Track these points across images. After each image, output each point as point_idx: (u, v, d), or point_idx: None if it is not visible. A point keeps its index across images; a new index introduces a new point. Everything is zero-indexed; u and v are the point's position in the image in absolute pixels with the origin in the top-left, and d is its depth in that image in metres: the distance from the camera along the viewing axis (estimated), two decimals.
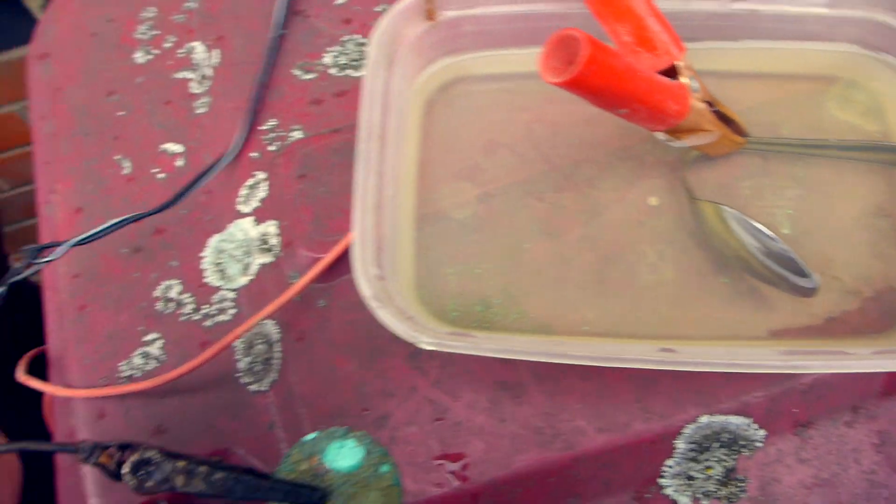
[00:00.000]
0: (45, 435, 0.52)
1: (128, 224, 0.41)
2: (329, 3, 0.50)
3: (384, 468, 0.27)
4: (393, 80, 0.37)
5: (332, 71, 0.48)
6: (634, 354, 0.31)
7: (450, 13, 0.39)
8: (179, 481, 0.22)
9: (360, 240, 0.33)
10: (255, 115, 0.46)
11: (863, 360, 0.31)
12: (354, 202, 0.33)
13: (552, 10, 0.39)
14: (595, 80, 0.29)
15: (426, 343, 0.32)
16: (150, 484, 0.21)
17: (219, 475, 0.23)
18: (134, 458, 0.21)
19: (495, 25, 0.39)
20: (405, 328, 0.31)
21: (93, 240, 0.40)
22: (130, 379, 0.43)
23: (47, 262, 0.40)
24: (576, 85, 0.29)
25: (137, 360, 0.44)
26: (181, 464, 0.22)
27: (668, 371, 0.37)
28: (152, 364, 0.43)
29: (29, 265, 0.40)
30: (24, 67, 0.58)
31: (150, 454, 0.22)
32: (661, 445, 0.36)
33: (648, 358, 0.31)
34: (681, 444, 0.36)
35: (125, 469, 0.21)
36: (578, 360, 0.31)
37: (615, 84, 0.30)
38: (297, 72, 0.48)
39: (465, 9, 0.39)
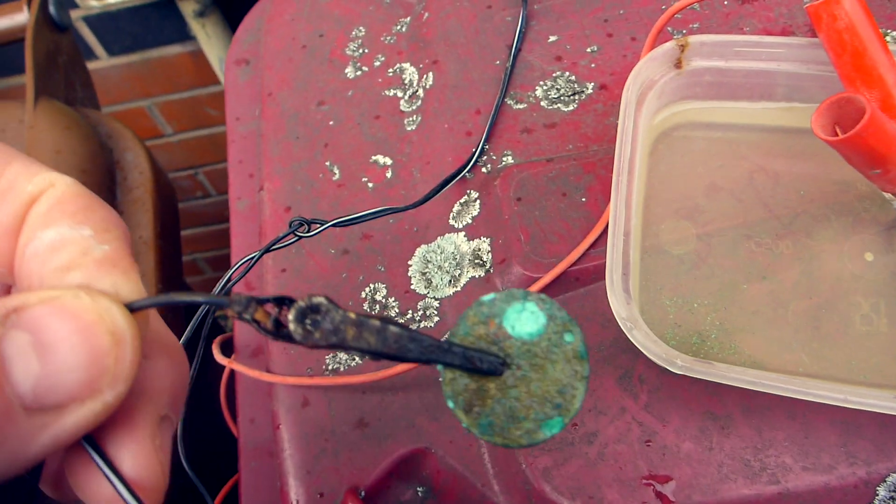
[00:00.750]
0: (226, 427, 0.57)
1: (386, 215, 0.47)
2: (542, 41, 0.56)
3: (568, 337, 0.24)
4: (640, 119, 0.42)
5: (543, 103, 0.53)
6: (875, 399, 0.35)
7: (696, 63, 0.44)
8: (350, 333, 0.20)
9: (613, 264, 0.37)
10: (491, 131, 0.51)
11: None
12: (610, 228, 0.38)
13: (794, 70, 0.43)
14: (868, 141, 0.33)
15: (678, 367, 0.36)
16: (317, 335, 0.20)
17: (394, 330, 0.21)
18: (301, 304, 0.19)
19: (735, 78, 0.44)
20: (659, 351, 0.36)
21: (350, 224, 0.46)
22: (336, 372, 0.48)
23: (313, 234, 0.46)
24: (849, 144, 0.34)
25: (342, 355, 0.49)
26: (352, 314, 0.21)
27: (875, 418, 0.40)
28: (357, 360, 0.48)
29: (291, 235, 0.45)
30: (172, 67, 0.65)
31: (317, 300, 0.20)
32: (863, 490, 0.40)
33: (886, 403, 0.35)
34: (882, 492, 0.39)
35: (290, 315, 0.19)
36: (821, 399, 0.35)
37: (883, 146, 0.34)
38: (509, 101, 0.53)
39: (712, 60, 0.44)
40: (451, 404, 0.24)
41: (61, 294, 0.18)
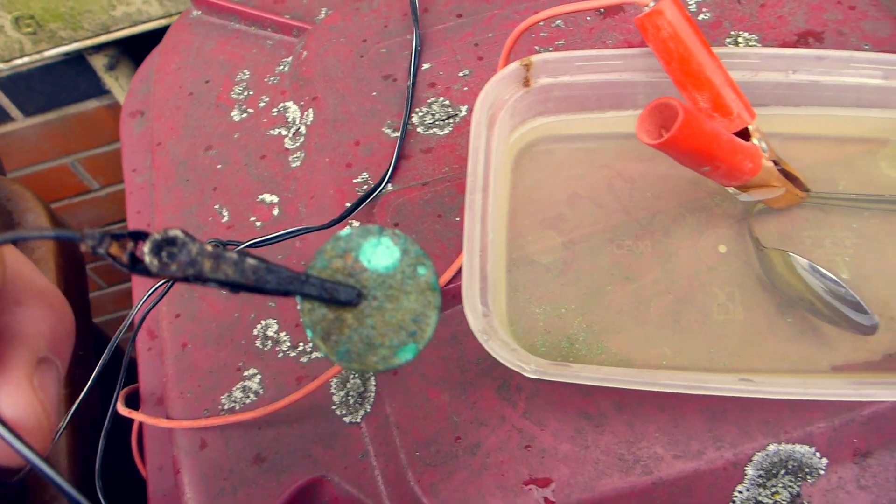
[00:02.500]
0: (134, 467, 0.58)
1: (298, 235, 0.51)
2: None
3: (421, 270, 0.26)
4: (493, 140, 0.45)
5: (419, 129, 0.55)
6: (718, 384, 0.37)
7: (543, 80, 0.47)
8: (207, 265, 0.20)
9: (468, 280, 0.40)
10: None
11: None
12: (465, 246, 0.41)
13: (634, 79, 0.46)
14: (687, 142, 0.36)
15: (531, 372, 0.38)
16: (174, 267, 0.20)
17: (251, 262, 0.22)
18: (156, 236, 0.20)
19: (582, 91, 0.47)
20: (512, 358, 0.38)
21: (263, 245, 0.50)
22: (231, 411, 0.50)
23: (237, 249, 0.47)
24: (670, 145, 0.37)
25: (237, 394, 0.50)
26: (209, 247, 0.21)
27: (737, 403, 0.43)
28: (251, 397, 0.50)
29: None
30: (91, 122, 0.66)
31: (173, 233, 0.20)
32: (732, 472, 0.42)
33: (731, 387, 0.37)
34: (751, 471, 0.42)
35: (146, 248, 0.19)
36: (672, 389, 0.37)
37: (703, 145, 0.37)
38: (386, 130, 0.56)
39: (557, 76, 0.46)
40: (309, 334, 0.25)
41: None
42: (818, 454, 0.42)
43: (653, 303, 0.45)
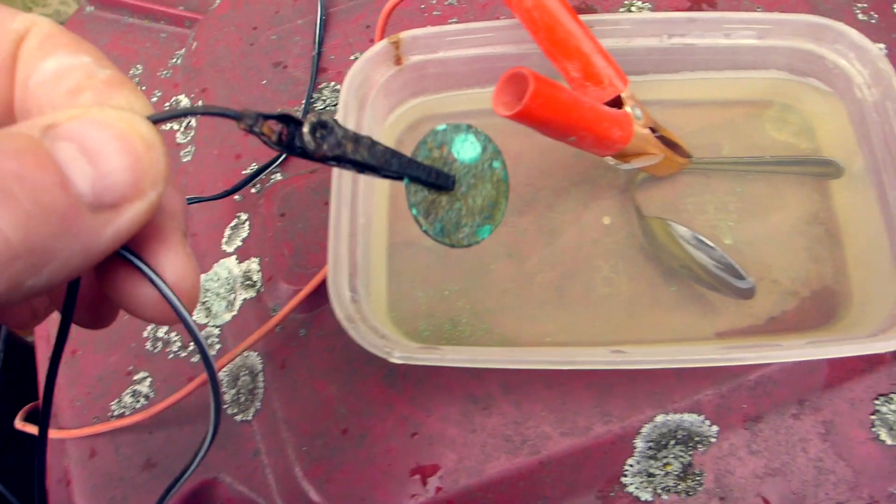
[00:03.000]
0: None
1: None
2: (306, 54, 0.57)
3: (496, 164, 0.30)
4: (364, 121, 0.44)
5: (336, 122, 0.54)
6: (587, 357, 0.36)
7: (415, 57, 0.46)
8: (349, 147, 0.23)
9: (333, 266, 0.39)
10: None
11: (794, 349, 0.36)
12: (329, 232, 0.39)
13: (508, 51, 0.45)
14: (542, 112, 0.35)
15: (397, 357, 0.37)
16: (325, 146, 0.23)
17: (380, 147, 0.25)
18: (313, 119, 0.22)
19: (457, 67, 0.46)
20: (377, 344, 0.37)
21: None
22: (122, 417, 0.48)
23: None
24: (525, 117, 0.36)
25: (127, 399, 0.49)
26: (351, 132, 0.24)
27: (624, 375, 0.42)
28: (142, 402, 0.49)
29: None
30: None
31: (325, 118, 0.23)
32: (621, 446, 0.41)
33: (600, 359, 0.37)
34: (640, 444, 0.41)
35: (305, 128, 0.22)
36: (534, 365, 0.37)
37: (561, 115, 0.36)
38: None
39: (429, 53, 0.45)
40: (413, 211, 0.28)
41: (87, 110, 0.19)
42: (707, 422, 0.42)
43: (537, 279, 0.44)
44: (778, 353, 0.36)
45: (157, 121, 0.20)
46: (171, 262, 0.22)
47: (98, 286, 0.23)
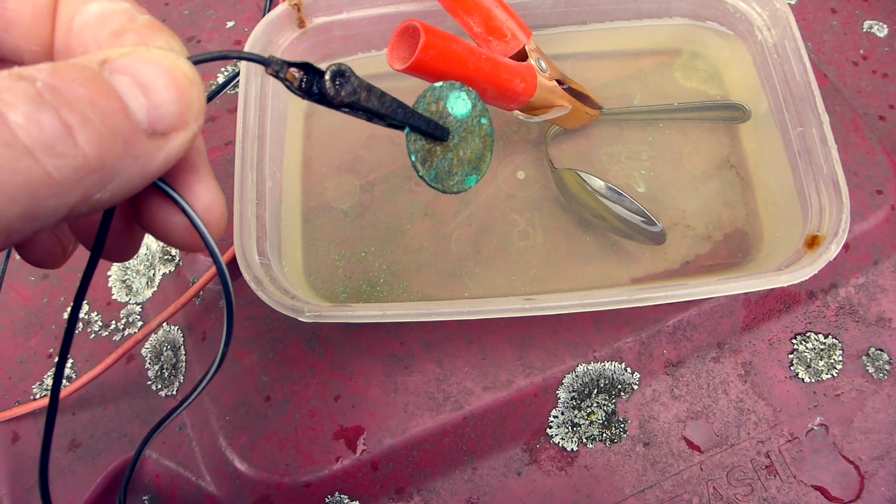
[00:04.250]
0: None
1: None
2: (220, 28, 0.56)
3: (483, 120, 0.32)
4: (269, 86, 0.43)
5: (227, 90, 0.53)
6: (497, 306, 0.36)
7: (319, 20, 0.45)
8: (363, 95, 0.25)
9: (239, 229, 0.38)
10: None
11: (702, 286, 0.36)
12: (235, 194, 0.39)
13: (412, 9, 0.45)
14: (436, 64, 0.35)
15: (307, 316, 0.37)
16: (343, 93, 0.24)
17: (389, 97, 0.27)
18: (333, 67, 0.24)
19: (363, 28, 0.46)
20: (286, 304, 0.36)
21: None
22: (44, 399, 0.47)
23: None
24: (418, 69, 0.35)
25: (49, 381, 0.48)
26: (365, 82, 0.26)
27: (545, 327, 0.42)
28: (64, 383, 0.47)
29: None
30: None
31: (344, 68, 0.24)
32: (544, 397, 0.42)
33: (512, 307, 0.36)
34: (563, 394, 0.41)
35: (327, 76, 0.24)
36: (444, 317, 0.36)
37: (456, 66, 0.36)
38: None
39: (332, 14, 0.45)
40: (412, 158, 0.30)
41: (136, 49, 0.21)
42: (629, 369, 0.42)
43: (453, 237, 0.44)
44: (683, 292, 0.36)
45: (195, 62, 0.22)
46: (203, 192, 0.24)
47: (126, 218, 0.26)
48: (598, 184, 0.41)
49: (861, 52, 0.53)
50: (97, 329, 0.49)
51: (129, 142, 0.20)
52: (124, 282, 0.49)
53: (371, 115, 0.27)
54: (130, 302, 0.49)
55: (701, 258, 0.42)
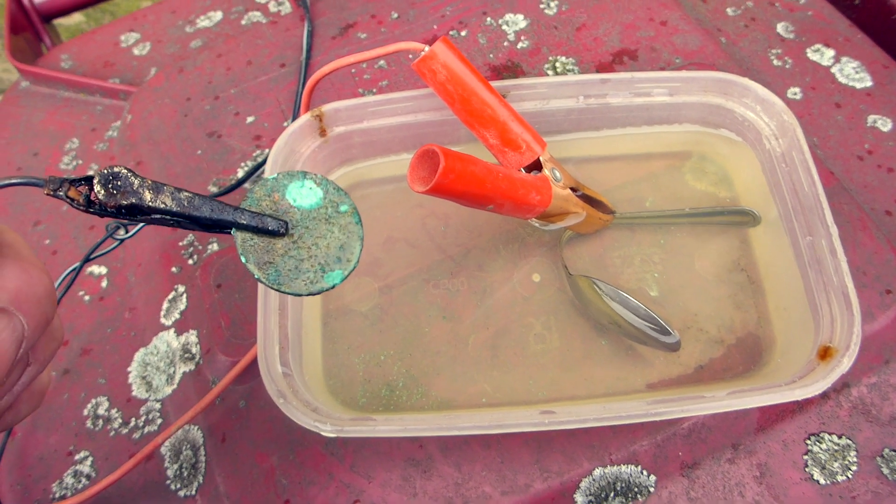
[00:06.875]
0: None
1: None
2: (241, 123, 0.58)
3: (343, 207, 0.30)
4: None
5: (247, 185, 0.55)
6: (516, 420, 0.37)
7: (339, 129, 0.47)
8: (148, 196, 0.23)
9: (263, 343, 0.39)
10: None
11: (718, 401, 0.37)
12: (258, 308, 0.40)
13: (430, 118, 0.47)
14: (455, 186, 0.36)
15: (327, 431, 0.38)
16: (119, 196, 0.22)
17: (186, 193, 0.25)
18: (104, 171, 0.23)
19: (381, 136, 0.47)
20: (308, 419, 0.37)
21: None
22: (63, 499, 0.48)
23: (132, 235, 0.45)
24: (439, 191, 0.37)
25: (69, 480, 0.49)
26: (149, 180, 0.24)
27: (562, 431, 0.43)
28: (83, 482, 0.48)
29: (110, 240, 0.44)
30: None
31: (117, 169, 0.23)
32: (561, 501, 0.42)
33: (529, 422, 0.37)
34: (580, 498, 0.42)
35: (96, 181, 0.23)
36: (464, 431, 0.37)
37: (475, 186, 0.37)
38: (212, 188, 0.55)
39: (352, 124, 0.47)
40: (243, 259, 0.28)
41: None
42: (645, 472, 0.43)
43: (471, 340, 0.45)
44: (701, 406, 0.37)
45: None
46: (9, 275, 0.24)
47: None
48: (612, 291, 0.43)
49: (866, 146, 0.54)
50: (117, 426, 0.49)
51: None
52: (144, 378, 0.50)
53: (177, 219, 0.25)
54: (150, 399, 0.50)
55: (714, 362, 0.43)
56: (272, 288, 0.29)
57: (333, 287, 0.30)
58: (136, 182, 0.24)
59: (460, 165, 0.36)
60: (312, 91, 0.46)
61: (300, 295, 0.29)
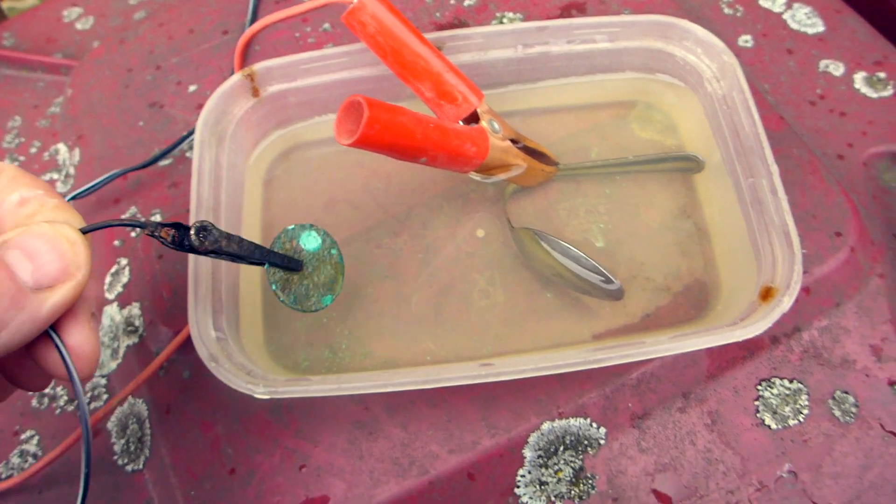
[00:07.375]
0: None
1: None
2: (182, 92, 0.57)
3: (333, 251, 0.40)
4: (224, 156, 0.44)
5: (189, 154, 0.54)
6: (453, 374, 0.36)
7: (273, 88, 0.46)
8: (224, 243, 0.32)
9: (194, 304, 0.38)
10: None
11: (659, 345, 0.37)
12: (189, 272, 0.39)
13: (366, 74, 0.46)
14: (382, 137, 0.35)
15: (260, 393, 0.37)
16: (207, 243, 0.31)
17: (248, 242, 0.34)
18: (197, 224, 0.31)
19: (317, 94, 0.46)
20: (240, 381, 0.37)
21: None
22: (9, 479, 0.47)
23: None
24: (365, 143, 0.35)
25: (15, 460, 0.48)
26: (225, 232, 0.33)
27: (508, 386, 0.42)
28: (30, 461, 0.47)
29: None
30: None
31: (206, 223, 0.31)
32: (510, 457, 0.42)
33: (468, 374, 0.36)
34: (528, 453, 0.41)
35: (192, 231, 0.31)
36: (400, 387, 0.36)
37: (403, 138, 0.36)
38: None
39: (286, 82, 0.45)
40: (273, 287, 0.37)
41: (29, 227, 0.28)
42: (595, 424, 0.42)
43: (414, 298, 0.44)
44: (643, 350, 0.36)
45: (86, 231, 0.29)
46: (76, 332, 0.29)
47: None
48: (554, 243, 0.42)
49: (818, 91, 0.53)
50: (62, 404, 0.49)
51: (14, 298, 0.26)
52: None
53: (234, 257, 0.34)
54: (96, 375, 0.49)
55: (661, 310, 0.43)
56: (292, 307, 0.38)
57: (326, 307, 0.40)
58: (217, 234, 0.32)
59: (387, 116, 0.35)
60: (244, 50, 0.45)
61: (308, 311, 0.39)
